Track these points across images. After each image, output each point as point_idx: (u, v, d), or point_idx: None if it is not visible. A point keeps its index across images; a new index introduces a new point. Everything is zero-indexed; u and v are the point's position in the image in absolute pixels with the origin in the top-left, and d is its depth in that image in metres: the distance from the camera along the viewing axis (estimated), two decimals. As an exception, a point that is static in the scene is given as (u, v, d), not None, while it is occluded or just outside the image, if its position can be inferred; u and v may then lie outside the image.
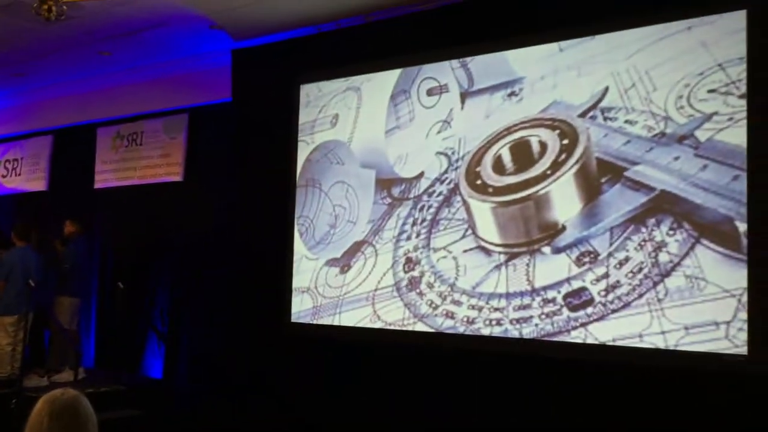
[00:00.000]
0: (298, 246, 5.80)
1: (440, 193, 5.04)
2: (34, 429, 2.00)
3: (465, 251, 4.85)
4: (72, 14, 5.98)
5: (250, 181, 6.31)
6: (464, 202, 4.90)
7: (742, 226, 3.86)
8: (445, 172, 5.04)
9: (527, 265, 4.54)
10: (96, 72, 7.59)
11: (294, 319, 5.75)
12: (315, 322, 5.60)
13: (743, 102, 3.92)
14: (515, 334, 4.55)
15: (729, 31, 4.00)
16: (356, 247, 5.44)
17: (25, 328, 6.59)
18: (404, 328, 5.07)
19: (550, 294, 4.43)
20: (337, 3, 5.49)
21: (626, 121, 4.27)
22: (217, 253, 6.68)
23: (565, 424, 4.38)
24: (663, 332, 4.02)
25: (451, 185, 4.99)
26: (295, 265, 5.80)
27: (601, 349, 4.23)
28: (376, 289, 5.26)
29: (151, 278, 7.45)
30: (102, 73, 7.59)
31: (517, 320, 4.55)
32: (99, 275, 7.85)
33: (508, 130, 4.76)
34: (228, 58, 6.50)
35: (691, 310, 3.96)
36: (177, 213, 7.28)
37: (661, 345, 4.02)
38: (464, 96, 5.01)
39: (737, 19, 3.99)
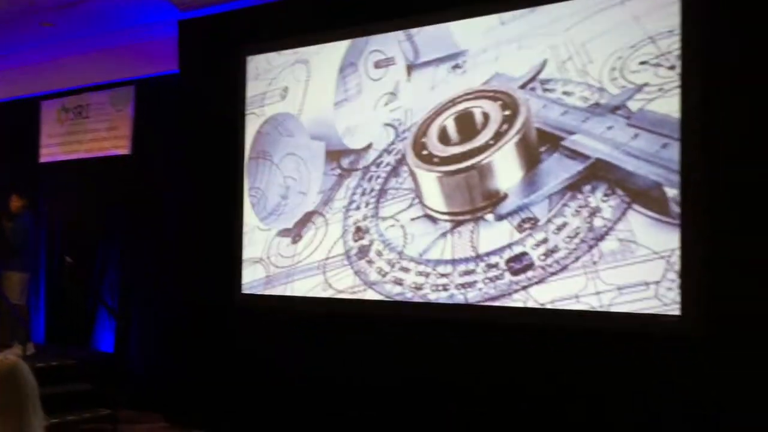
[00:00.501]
0: (251, 217, 5.96)
1: (388, 164, 5.25)
2: None
3: (412, 220, 5.08)
4: (12, -16, 5.98)
5: (198, 153, 6.40)
6: (411, 172, 5.12)
7: (671, 192, 4.16)
8: (393, 143, 5.24)
9: (471, 232, 4.80)
10: (39, 44, 7.53)
11: (247, 289, 5.92)
12: (267, 291, 5.78)
13: (672, 73, 4.20)
14: (461, 298, 4.82)
15: (659, 5, 4.26)
16: (307, 218, 5.63)
17: (-27, 304, 6.64)
18: (355, 296, 5.30)
19: (494, 259, 4.70)
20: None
21: (564, 93, 4.52)
22: (166, 226, 6.78)
23: (509, 383, 4.66)
24: (597, 293, 4.32)
25: (399, 156, 5.20)
26: (247, 236, 5.97)
27: (542, 312, 4.51)
28: (327, 258, 5.47)
29: (100, 252, 7.51)
30: (45, 45, 7.54)
31: (463, 285, 4.81)
32: (47, 250, 7.87)
33: (453, 102, 4.98)
34: (175, 28, 6.55)
35: (623, 272, 4.26)
36: (125, 186, 7.33)
37: (596, 305, 4.32)
38: (410, 68, 5.21)
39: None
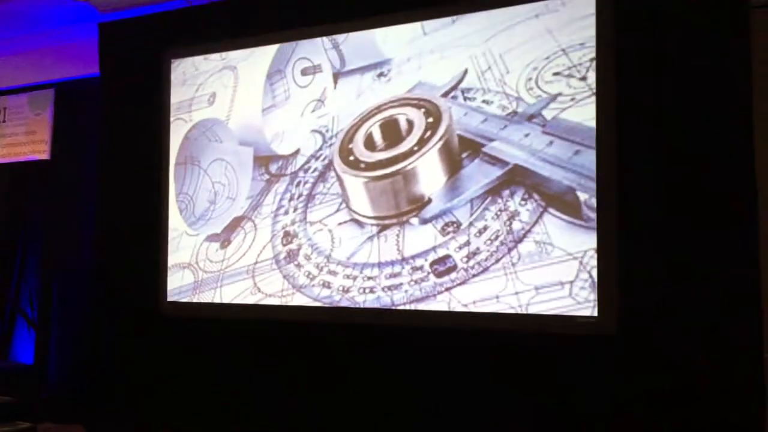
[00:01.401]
0: (178, 223, 6.12)
1: (315, 169, 5.51)
2: None
3: (339, 224, 5.35)
4: None
5: (120, 158, 6.48)
6: (338, 178, 5.39)
7: (583, 196, 4.55)
8: (320, 149, 5.50)
9: (397, 235, 5.10)
10: (-48, 45, 7.49)
11: (175, 294, 6.07)
12: (196, 296, 5.96)
13: (583, 84, 4.60)
14: (387, 300, 5.11)
15: (571, 20, 4.66)
16: (236, 223, 5.83)
17: None
18: (284, 299, 5.53)
19: (418, 262, 5.01)
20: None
21: (483, 101, 4.88)
22: (87, 233, 6.84)
23: (431, 387, 4.98)
24: (516, 293, 4.68)
25: (326, 161, 5.46)
26: (175, 241, 6.12)
27: (465, 315, 4.84)
28: (255, 263, 5.68)
29: (18, 260, 7.49)
30: (-41, 47, 7.50)
31: (389, 287, 5.11)
32: (-39, 259, 7.80)
33: (378, 109, 5.28)
34: (95, 30, 6.62)
35: (540, 272, 4.63)
36: (44, 192, 7.35)
37: (515, 304, 4.68)
38: (336, 76, 5.48)
39: (579, 8, 4.64)
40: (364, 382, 5.23)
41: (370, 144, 5.29)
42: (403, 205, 5.11)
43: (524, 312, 4.65)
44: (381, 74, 5.28)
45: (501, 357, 4.78)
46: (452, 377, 4.91)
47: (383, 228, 5.18)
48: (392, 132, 5.20)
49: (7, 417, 6.43)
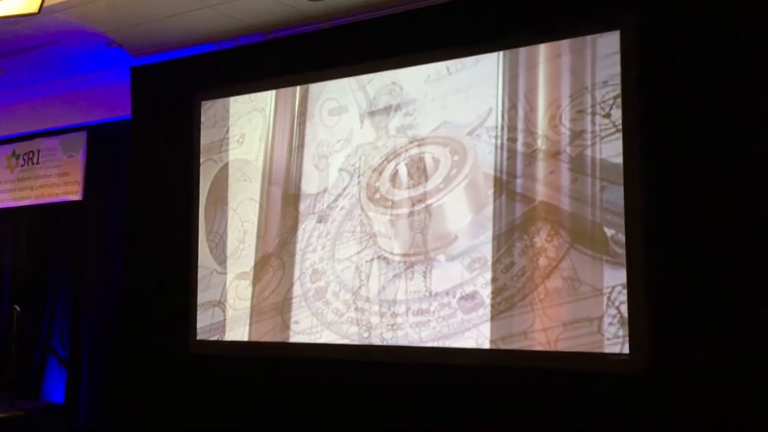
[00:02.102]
0: (208, 261, 6.31)
1: (343, 207, 5.68)
2: None
3: (367, 261, 5.49)
4: (-39, 32, 6.27)
5: (151, 198, 6.72)
6: (365, 216, 5.55)
7: (610, 231, 4.65)
8: (347, 187, 5.68)
9: (424, 272, 5.22)
10: (-11, 90, 7.84)
11: (204, 333, 6.23)
12: (226, 334, 6.10)
13: (608, 121, 4.72)
14: (415, 337, 5.22)
15: (594, 58, 4.80)
16: (265, 260, 5.99)
17: None
18: (312, 336, 5.66)
19: (446, 299, 5.13)
20: (236, 21, 6.01)
21: (508, 139, 5.02)
22: (117, 273, 7.03)
23: (461, 425, 5.03)
24: (545, 329, 4.77)
25: (353, 200, 5.63)
26: (205, 280, 6.30)
27: (493, 353, 4.92)
28: (284, 300, 5.83)
29: (49, 301, 7.71)
30: (-6, 91, 7.85)
31: (417, 324, 5.22)
32: (-5, 299, 8.05)
33: (404, 148, 5.45)
34: (127, 74, 6.90)
35: (568, 308, 4.72)
36: (76, 232, 7.59)
37: (543, 340, 4.76)
38: (363, 116, 5.68)
39: (603, 47, 4.79)
40: (392, 419, 5.31)
41: (396, 182, 5.45)
42: (430, 242, 5.24)
43: (553, 349, 4.74)
44: (407, 114, 5.46)
45: (530, 395, 4.86)
46: (481, 415, 4.98)
47: (410, 265, 5.31)
48: (418, 170, 5.36)
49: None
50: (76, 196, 7.60)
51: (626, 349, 4.54)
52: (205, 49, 6.55)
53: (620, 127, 4.67)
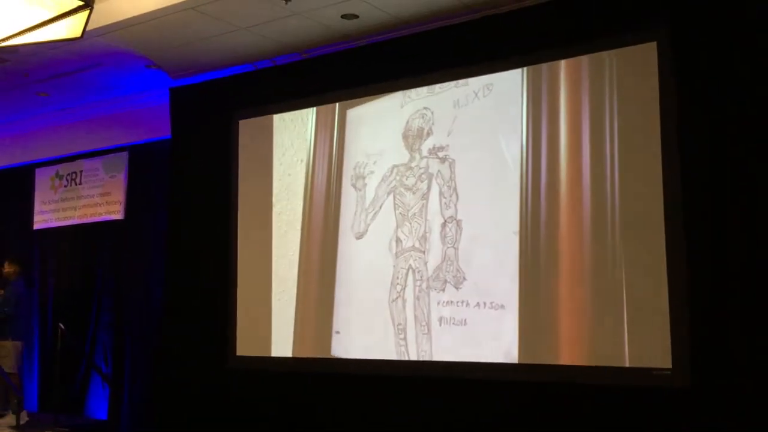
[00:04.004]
0: (249, 278, 6.38)
1: (379, 225, 5.73)
2: None
3: (402, 275, 5.51)
4: (7, 57, 6.43)
5: (191, 216, 6.81)
6: (401, 232, 5.59)
7: (645, 247, 4.60)
8: (383, 205, 5.71)
9: (456, 284, 5.29)
10: (34, 112, 8.03)
11: (245, 348, 6.29)
12: (266, 350, 6.15)
13: (635, 135, 4.70)
14: (448, 347, 5.28)
15: (614, 74, 4.81)
16: (307, 277, 6.05)
17: (-34, 373, 6.93)
18: (353, 349, 5.68)
19: (476, 310, 5.18)
20: (272, 41, 6.10)
21: (533, 159, 5.04)
22: (159, 290, 7.13)
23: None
24: (578, 342, 4.77)
25: (389, 217, 5.69)
26: (246, 296, 6.36)
27: (541, 368, 4.89)
28: (325, 315, 5.88)
29: (92, 318, 7.83)
30: (40, 114, 8.04)
31: (449, 334, 5.28)
32: (40, 317, 8.19)
33: (436, 168, 5.52)
34: (166, 95, 7.02)
35: (605, 322, 4.71)
36: (118, 251, 7.71)
37: (578, 354, 4.76)
38: (397, 139, 5.70)
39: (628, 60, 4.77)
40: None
41: (429, 200, 5.50)
42: (460, 256, 5.29)
43: (594, 364, 4.69)
44: (438, 136, 5.50)
45: (571, 410, 4.79)
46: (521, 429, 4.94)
47: (442, 277, 5.33)
48: (449, 188, 5.41)
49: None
50: (118, 216, 7.74)
51: (669, 364, 4.46)
52: (242, 70, 6.65)
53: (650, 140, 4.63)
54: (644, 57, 4.71)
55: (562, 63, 5.00)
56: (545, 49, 5.09)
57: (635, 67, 4.75)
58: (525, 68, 5.13)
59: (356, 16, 5.61)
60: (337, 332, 5.76)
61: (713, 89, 4.51)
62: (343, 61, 6.07)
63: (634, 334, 4.58)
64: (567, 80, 4.97)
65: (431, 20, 5.61)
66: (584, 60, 4.92)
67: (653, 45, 4.68)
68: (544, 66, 5.07)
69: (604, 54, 4.84)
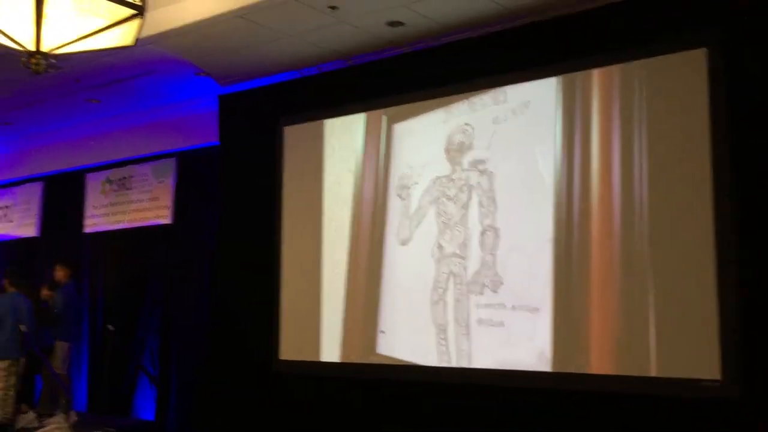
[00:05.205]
0: (296, 282, 6.44)
1: (423, 232, 5.79)
2: None
3: (443, 280, 5.57)
4: (60, 65, 6.55)
5: (237, 221, 6.90)
6: (443, 239, 5.64)
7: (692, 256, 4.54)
8: (426, 215, 5.76)
9: (494, 289, 5.37)
10: (85, 119, 8.23)
11: (290, 352, 6.35)
12: (311, 354, 6.20)
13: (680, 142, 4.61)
14: (486, 350, 5.34)
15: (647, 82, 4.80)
16: (354, 281, 6.11)
17: (17, 372, 7.09)
18: (398, 352, 5.74)
19: (514, 313, 5.21)
20: (318, 48, 6.16)
21: (568, 171, 5.06)
22: (205, 294, 7.23)
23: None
24: (610, 349, 4.73)
25: (432, 226, 5.74)
26: (293, 300, 6.42)
27: (588, 378, 4.87)
28: (371, 320, 5.94)
29: (141, 320, 7.97)
30: (91, 120, 8.23)
31: (488, 338, 5.32)
32: (90, 319, 8.36)
33: (477, 180, 5.56)
34: (214, 102, 7.13)
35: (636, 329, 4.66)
36: (166, 255, 7.84)
37: (609, 362, 4.77)
38: (440, 152, 5.76)
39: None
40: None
41: (469, 209, 5.54)
42: (498, 262, 5.34)
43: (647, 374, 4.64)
44: (478, 150, 5.56)
45: (620, 421, 4.72)
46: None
47: (481, 282, 5.35)
48: (488, 199, 5.45)
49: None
50: (167, 220, 7.88)
51: (719, 375, 4.38)
52: (289, 77, 6.71)
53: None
54: (684, 66, 4.68)
55: (595, 74, 5.05)
56: (580, 58, 5.13)
57: (672, 77, 4.73)
58: (560, 81, 5.19)
59: (402, 24, 5.64)
60: (383, 332, 5.87)
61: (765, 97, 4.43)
62: (388, 67, 6.10)
63: (673, 343, 4.55)
64: (600, 91, 5.02)
65: (475, 27, 5.62)
66: (617, 70, 4.96)
67: (698, 53, 4.64)
68: (578, 78, 5.12)
69: (638, 64, 4.86)
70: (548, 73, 5.26)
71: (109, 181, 8.47)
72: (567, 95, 5.15)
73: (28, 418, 7.19)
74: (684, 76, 4.70)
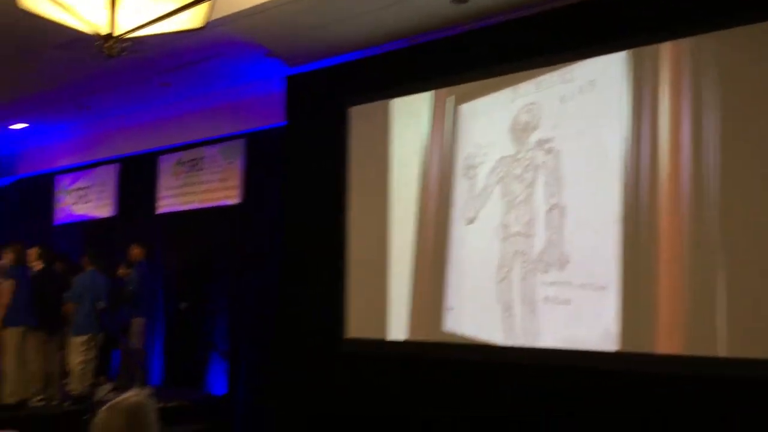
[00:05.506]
0: (362, 261, 6.50)
1: (489, 211, 5.77)
2: (107, 425, 2.20)
3: (509, 259, 5.56)
4: (134, 48, 6.74)
5: (306, 202, 6.99)
6: (508, 217, 5.62)
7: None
8: (492, 194, 5.74)
9: (559, 267, 5.29)
10: (157, 102, 8.42)
11: (356, 330, 6.44)
12: (377, 332, 6.27)
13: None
14: (551, 329, 5.28)
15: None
16: (421, 261, 6.13)
17: (96, 347, 7.38)
18: (464, 328, 5.75)
19: (580, 292, 5.16)
20: (383, 28, 6.16)
21: (637, 150, 4.93)
22: (274, 272, 7.36)
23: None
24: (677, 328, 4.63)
25: (497, 205, 5.71)
26: (359, 279, 6.50)
27: (674, 360, 4.77)
28: (438, 299, 5.96)
29: (211, 298, 8.17)
30: (162, 103, 8.42)
31: (553, 315, 5.29)
32: (164, 296, 8.61)
33: (542, 160, 5.49)
34: (282, 83, 7.22)
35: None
36: (235, 234, 8.02)
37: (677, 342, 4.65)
38: (506, 131, 5.73)
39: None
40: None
41: (535, 189, 5.50)
42: (565, 241, 5.29)
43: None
44: (544, 129, 5.49)
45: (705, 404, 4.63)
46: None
47: (546, 261, 5.31)
48: (554, 178, 5.39)
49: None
50: (236, 200, 8.03)
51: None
52: (355, 57, 6.73)
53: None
54: (761, 37, 4.52)
55: (665, 48, 4.90)
56: (649, 32, 5.00)
57: (747, 50, 4.57)
58: (628, 57, 5.07)
59: (465, 1, 5.59)
60: (450, 309, 5.89)
61: None
62: (453, 46, 6.06)
63: (744, 323, 4.45)
64: (670, 66, 4.87)
65: (540, 3, 5.53)
66: (688, 44, 4.82)
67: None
68: (647, 53, 4.98)
69: (710, 36, 4.71)
70: (616, 47, 5.14)
71: (181, 163, 8.69)
72: (635, 71, 5.03)
73: (106, 390, 7.47)
74: (760, 48, 4.53)
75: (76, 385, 7.33)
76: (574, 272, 5.19)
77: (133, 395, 2.28)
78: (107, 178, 9.59)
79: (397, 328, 6.18)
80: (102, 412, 2.24)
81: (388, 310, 6.25)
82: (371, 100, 6.56)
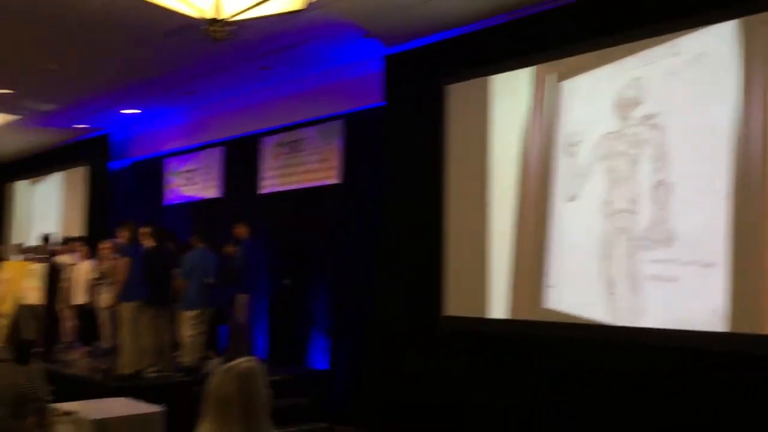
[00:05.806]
0: (460, 238, 6.51)
1: (591, 189, 5.66)
2: (221, 388, 2.28)
3: (614, 236, 5.44)
4: (237, 33, 6.91)
5: (405, 180, 7.04)
6: (612, 194, 5.49)
7: None
8: (595, 171, 5.62)
9: (666, 244, 5.13)
10: (258, 86, 8.62)
11: (454, 308, 6.46)
12: (474, 310, 6.27)
13: None
14: (659, 307, 5.13)
15: None
16: (522, 237, 6.10)
17: (205, 322, 7.66)
18: (565, 306, 5.69)
19: (686, 269, 4.98)
20: (479, 3, 6.07)
21: (746, 126, 4.64)
22: (372, 250, 7.45)
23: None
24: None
25: (600, 182, 5.59)
26: (457, 258, 6.50)
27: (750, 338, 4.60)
28: (539, 277, 5.92)
29: (313, 275, 8.35)
30: (263, 87, 8.61)
31: (660, 293, 5.13)
32: (267, 273, 8.84)
33: (647, 136, 5.31)
34: (379, 63, 7.26)
35: None
36: (336, 213, 8.15)
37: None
38: (609, 108, 5.61)
39: None
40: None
41: (640, 165, 5.34)
42: (670, 218, 5.11)
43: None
44: (649, 105, 5.28)
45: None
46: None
47: (653, 238, 5.14)
48: (661, 153, 5.21)
49: (306, 418, 7.19)
50: (335, 180, 8.15)
51: None
52: (452, 34, 6.68)
53: None
54: None
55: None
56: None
57: None
58: (739, 26, 4.83)
59: (567, -28, 5.47)
60: (551, 286, 5.82)
61: None
62: (553, 20, 5.93)
63: None
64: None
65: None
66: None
67: None
68: (759, 21, 4.73)
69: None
70: (726, 16, 4.91)
71: (281, 145, 8.88)
72: (747, 42, 4.79)
73: (214, 363, 7.74)
74: None
75: (187, 358, 7.60)
76: (680, 249, 5.04)
77: (245, 361, 2.38)
78: (212, 160, 9.92)
79: (497, 306, 6.16)
80: (216, 375, 2.35)
81: (488, 288, 6.23)
82: (470, 77, 6.51)
